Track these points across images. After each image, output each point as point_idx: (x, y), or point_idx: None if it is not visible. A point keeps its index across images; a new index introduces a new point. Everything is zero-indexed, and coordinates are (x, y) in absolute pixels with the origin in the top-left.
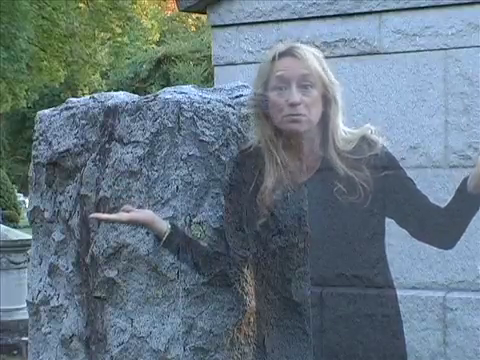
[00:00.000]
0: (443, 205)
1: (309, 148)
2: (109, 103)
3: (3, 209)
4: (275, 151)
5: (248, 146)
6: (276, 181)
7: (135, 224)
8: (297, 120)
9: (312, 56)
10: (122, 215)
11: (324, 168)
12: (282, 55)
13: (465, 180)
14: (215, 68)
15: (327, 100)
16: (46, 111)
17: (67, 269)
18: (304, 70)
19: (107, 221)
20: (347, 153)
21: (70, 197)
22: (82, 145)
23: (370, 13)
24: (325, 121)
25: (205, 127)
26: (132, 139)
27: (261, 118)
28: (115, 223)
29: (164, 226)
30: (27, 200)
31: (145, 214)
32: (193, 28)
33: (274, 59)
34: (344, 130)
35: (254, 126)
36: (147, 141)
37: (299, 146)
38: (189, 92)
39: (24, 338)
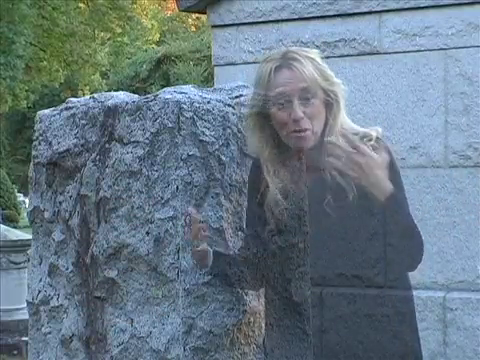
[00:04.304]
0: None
1: (309, 153)
2: (109, 103)
3: (3, 209)
4: (272, 166)
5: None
6: (279, 192)
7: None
8: (303, 137)
9: (308, 63)
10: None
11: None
12: (278, 68)
13: None
14: (215, 68)
15: (328, 104)
16: (46, 111)
17: (67, 269)
18: (303, 83)
19: None
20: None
21: (70, 197)
22: (82, 145)
23: (370, 13)
24: (325, 124)
25: (205, 127)
26: (132, 139)
27: (257, 128)
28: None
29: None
30: (27, 200)
31: None
32: (193, 28)
33: (271, 73)
34: (346, 129)
35: (249, 139)
36: (147, 141)
37: (303, 159)
38: (189, 92)
39: (24, 338)
